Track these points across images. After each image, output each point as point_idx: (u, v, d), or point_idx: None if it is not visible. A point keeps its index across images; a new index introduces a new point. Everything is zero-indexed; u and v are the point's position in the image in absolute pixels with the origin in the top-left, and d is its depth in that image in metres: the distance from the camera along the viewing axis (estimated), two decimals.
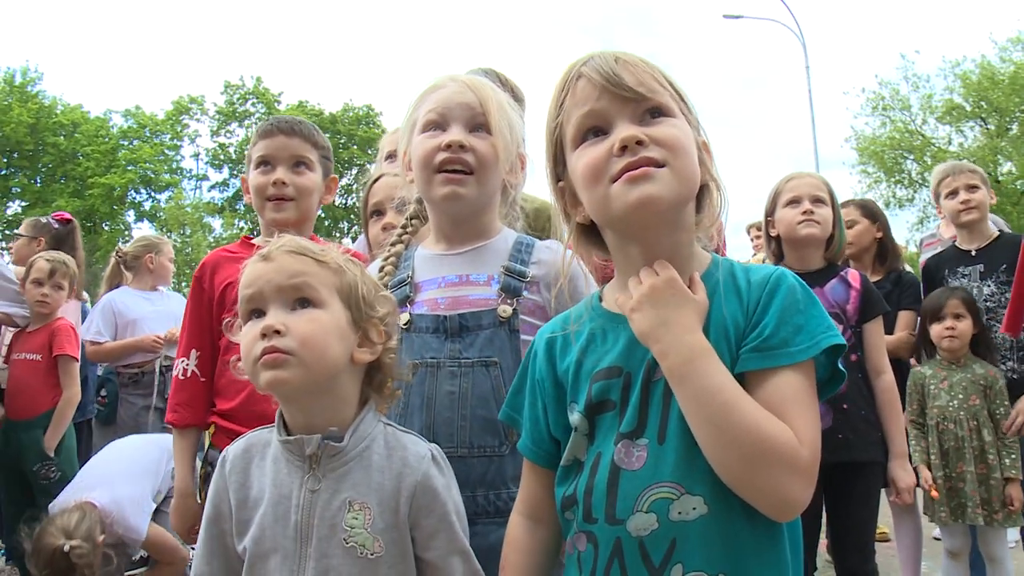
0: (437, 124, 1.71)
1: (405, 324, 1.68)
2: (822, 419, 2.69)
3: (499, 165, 1.71)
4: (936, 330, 3.42)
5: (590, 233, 1.35)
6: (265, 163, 2.26)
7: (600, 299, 1.35)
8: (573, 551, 1.25)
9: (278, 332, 1.33)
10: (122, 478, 3.45)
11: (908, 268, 4.21)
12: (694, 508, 1.13)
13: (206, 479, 2.16)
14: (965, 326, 3.37)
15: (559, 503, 1.28)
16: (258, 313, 1.38)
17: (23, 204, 31.91)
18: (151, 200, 34.99)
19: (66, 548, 2.99)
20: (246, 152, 2.36)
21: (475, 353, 1.62)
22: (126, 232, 31.80)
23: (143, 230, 32.76)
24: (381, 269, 1.78)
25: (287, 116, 2.53)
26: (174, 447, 2.26)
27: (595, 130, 1.23)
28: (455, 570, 1.39)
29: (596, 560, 1.19)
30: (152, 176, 34.21)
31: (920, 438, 3.37)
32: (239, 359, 1.41)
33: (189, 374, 2.23)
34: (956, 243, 3.88)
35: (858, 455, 2.75)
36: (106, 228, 32.36)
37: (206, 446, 2.27)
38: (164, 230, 30.67)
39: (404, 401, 1.63)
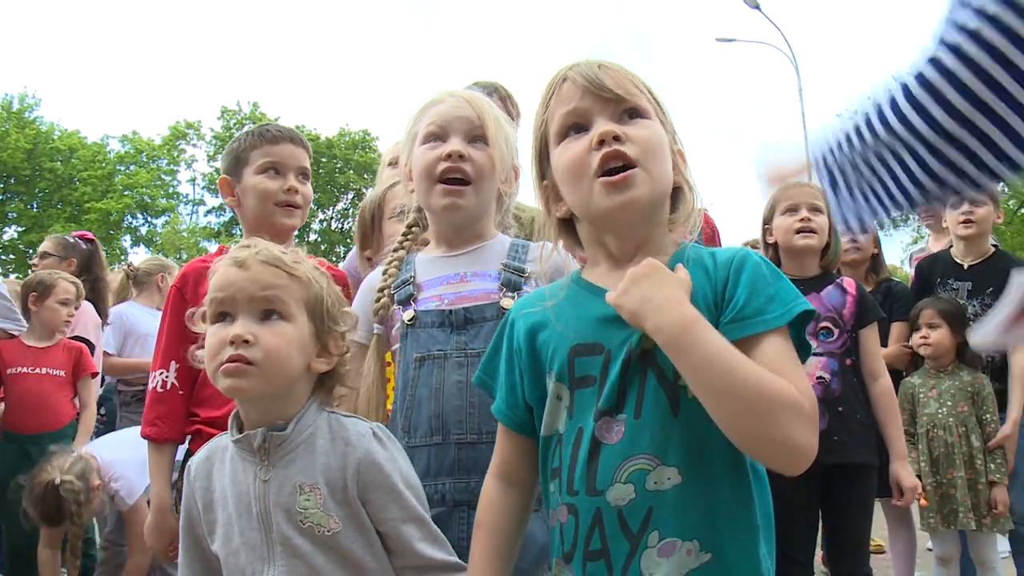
0: (437, 136, 1.80)
1: (410, 320, 1.76)
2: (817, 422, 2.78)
3: (495, 175, 1.81)
4: (913, 339, 3.54)
5: (569, 228, 1.44)
6: (274, 169, 2.28)
7: (579, 274, 1.42)
8: (556, 524, 1.31)
9: (247, 342, 1.41)
10: (126, 444, 3.49)
11: (897, 279, 4.28)
12: (668, 478, 1.20)
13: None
14: (939, 335, 3.44)
15: (546, 474, 1.35)
16: (225, 316, 1.45)
17: (19, 229, 31.98)
18: (147, 225, 35.14)
19: (56, 481, 3.06)
20: (233, 152, 2.33)
21: (480, 344, 1.68)
22: (123, 257, 31.81)
23: (140, 255, 32.82)
24: (385, 271, 1.86)
25: (280, 124, 2.53)
26: (150, 462, 2.21)
27: (576, 127, 1.34)
28: (411, 536, 1.45)
29: (577, 530, 1.25)
30: (149, 201, 34.33)
31: (910, 448, 3.42)
32: (198, 347, 1.49)
33: (168, 387, 2.19)
34: (951, 250, 3.91)
35: (854, 458, 2.80)
36: (103, 253, 32.30)
37: (182, 458, 2.23)
38: (161, 255, 30.69)
39: (411, 393, 1.70)
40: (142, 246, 34.17)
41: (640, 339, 1.24)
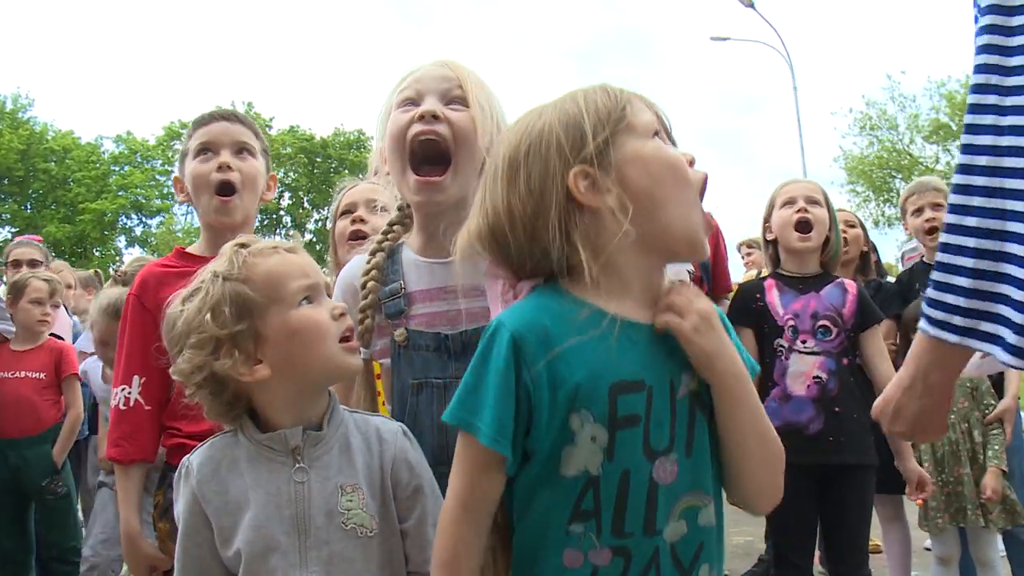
0: (412, 100, 1.61)
1: (402, 341, 1.61)
2: (812, 423, 2.76)
3: (477, 140, 1.57)
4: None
5: None
6: (206, 150, 2.10)
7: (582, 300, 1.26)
8: (583, 566, 1.20)
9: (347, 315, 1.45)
10: None
11: (891, 278, 4.27)
12: (712, 513, 1.25)
13: (167, 510, 1.96)
14: None
15: (565, 516, 1.20)
16: (309, 300, 1.42)
17: (13, 230, 31.83)
18: (142, 225, 35.03)
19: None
20: (180, 151, 2.20)
21: None
22: (117, 258, 31.75)
23: (134, 255, 32.72)
24: (364, 287, 1.66)
25: (224, 108, 2.35)
26: (117, 486, 2.05)
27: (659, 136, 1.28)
28: (427, 541, 1.40)
29: (627, 570, 1.20)
30: (143, 201, 34.20)
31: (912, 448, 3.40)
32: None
33: (132, 403, 2.01)
34: (923, 259, 3.94)
35: (850, 458, 2.77)
36: (97, 254, 32.29)
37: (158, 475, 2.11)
38: (155, 255, 30.58)
39: (411, 421, 1.56)
40: (137, 246, 34.10)
41: (685, 378, 1.23)
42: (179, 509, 1.44)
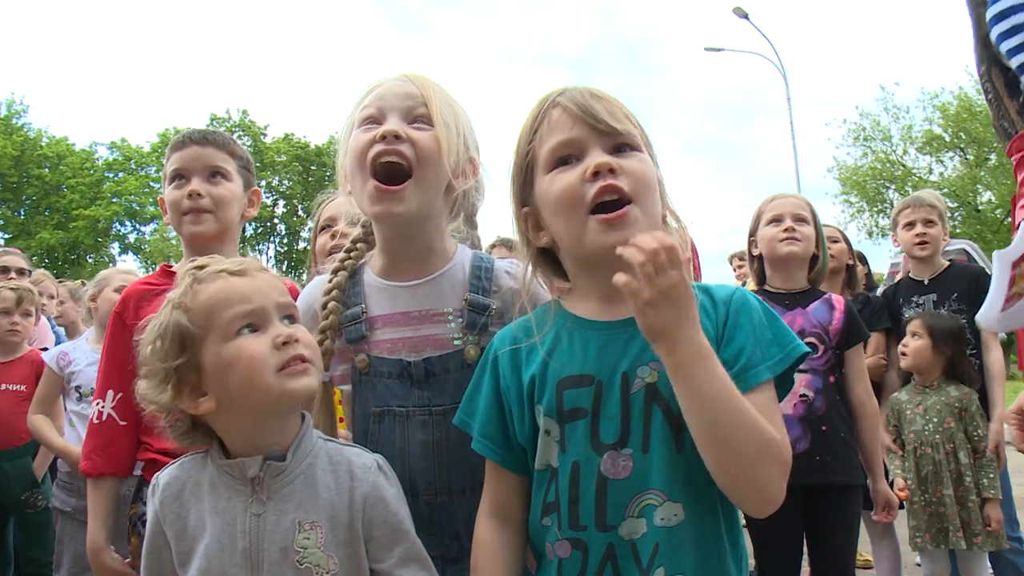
0: (374, 119, 1.54)
1: (364, 368, 1.56)
2: (798, 442, 2.72)
3: (442, 160, 1.51)
4: (899, 348, 3.49)
5: (547, 256, 1.41)
6: (179, 176, 2.12)
7: (561, 306, 1.38)
8: (553, 558, 1.28)
9: (298, 341, 1.34)
10: None
11: (880, 291, 4.26)
12: (675, 515, 1.21)
13: (135, 524, 2.01)
14: (919, 344, 3.38)
15: (538, 509, 1.31)
16: (253, 328, 1.34)
17: (6, 236, 31.79)
18: (136, 232, 34.97)
19: None
20: (162, 171, 2.22)
21: (447, 400, 1.51)
22: (111, 265, 31.64)
23: (128, 262, 32.68)
24: (325, 306, 1.60)
25: (202, 128, 2.33)
26: (88, 498, 2.06)
27: (568, 158, 1.29)
28: None
29: (585, 564, 1.23)
30: (137, 208, 34.17)
31: (895, 456, 3.39)
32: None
33: (105, 417, 2.04)
34: (910, 274, 3.95)
35: (837, 478, 2.75)
36: (90, 260, 32.22)
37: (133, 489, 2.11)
38: (149, 262, 30.59)
39: (372, 450, 1.49)
40: (130, 253, 34.08)
41: (642, 371, 1.24)
42: (147, 525, 1.42)
